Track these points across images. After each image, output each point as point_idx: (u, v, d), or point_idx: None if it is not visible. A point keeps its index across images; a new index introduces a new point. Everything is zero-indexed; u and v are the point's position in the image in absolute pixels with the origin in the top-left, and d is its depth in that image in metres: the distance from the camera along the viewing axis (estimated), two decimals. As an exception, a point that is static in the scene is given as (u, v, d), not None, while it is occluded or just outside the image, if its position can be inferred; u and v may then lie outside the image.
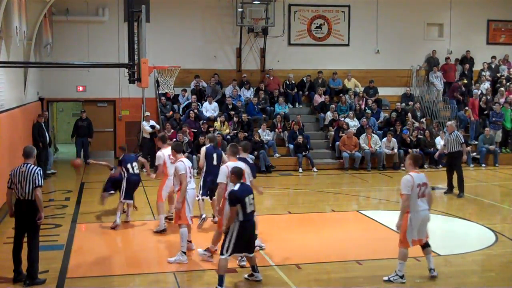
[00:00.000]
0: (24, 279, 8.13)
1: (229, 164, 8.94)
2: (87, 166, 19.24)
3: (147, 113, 19.15)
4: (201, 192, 11.00)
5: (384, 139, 19.18)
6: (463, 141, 14.52)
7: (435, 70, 22.57)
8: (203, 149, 11.15)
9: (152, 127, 18.48)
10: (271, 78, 21.48)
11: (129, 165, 11.50)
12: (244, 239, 7.93)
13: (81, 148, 19.72)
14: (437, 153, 16.47)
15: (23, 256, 8.26)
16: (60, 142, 24.34)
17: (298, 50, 22.48)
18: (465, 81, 22.61)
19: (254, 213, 8.10)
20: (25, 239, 8.25)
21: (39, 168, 8.30)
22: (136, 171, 11.58)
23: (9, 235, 10.60)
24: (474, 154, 19.77)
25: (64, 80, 20.30)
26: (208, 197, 11.07)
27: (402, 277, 8.23)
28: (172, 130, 18.49)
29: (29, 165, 8.21)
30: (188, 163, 9.63)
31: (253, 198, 8.09)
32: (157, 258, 9.85)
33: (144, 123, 18.63)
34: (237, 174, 8.19)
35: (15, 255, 8.26)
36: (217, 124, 19.13)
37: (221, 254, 7.90)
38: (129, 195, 11.51)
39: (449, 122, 15.03)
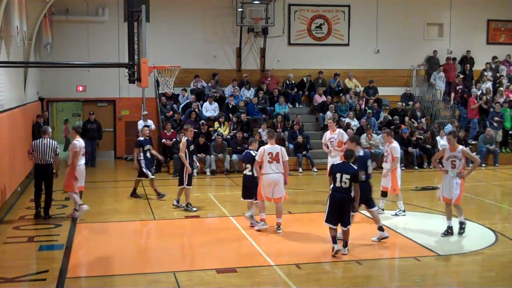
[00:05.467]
0: (44, 216, 11.79)
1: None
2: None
3: (145, 112, 19.16)
4: (186, 182, 12.55)
5: (379, 136, 19.11)
6: None
7: (440, 70, 22.46)
8: (184, 141, 12.66)
9: (147, 126, 18.43)
10: (271, 77, 21.46)
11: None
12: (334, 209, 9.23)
13: (92, 151, 19.17)
14: None
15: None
16: (59, 142, 24.25)
17: (298, 50, 22.48)
18: (462, 76, 22.58)
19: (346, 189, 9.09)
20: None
21: (56, 141, 11.74)
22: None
23: (9, 235, 10.63)
24: (474, 154, 19.71)
25: (64, 80, 20.31)
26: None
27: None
28: (172, 130, 18.48)
29: (48, 139, 11.61)
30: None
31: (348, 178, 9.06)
32: (157, 258, 9.85)
33: (140, 121, 18.64)
34: None
35: (36, 197, 11.81)
36: (216, 124, 19.11)
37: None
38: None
39: None
